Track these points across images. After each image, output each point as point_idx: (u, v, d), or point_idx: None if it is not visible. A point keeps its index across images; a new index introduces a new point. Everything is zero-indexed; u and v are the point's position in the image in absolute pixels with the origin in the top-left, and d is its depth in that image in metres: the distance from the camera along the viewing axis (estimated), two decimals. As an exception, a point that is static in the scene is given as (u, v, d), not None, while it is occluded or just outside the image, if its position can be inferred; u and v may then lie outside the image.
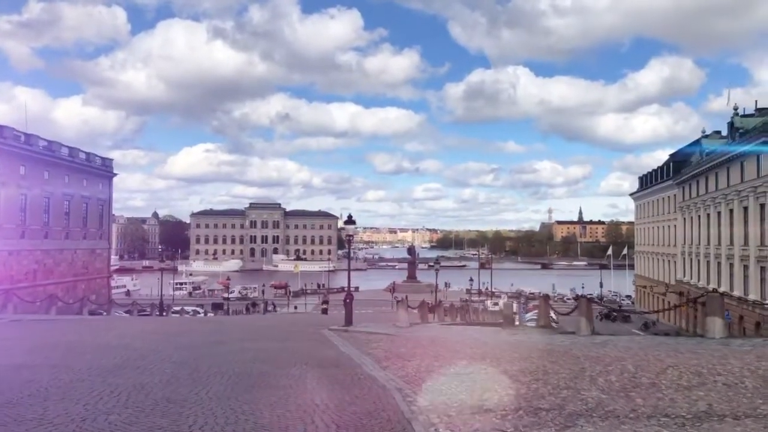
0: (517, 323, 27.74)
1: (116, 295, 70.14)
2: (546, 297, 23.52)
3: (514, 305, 32.51)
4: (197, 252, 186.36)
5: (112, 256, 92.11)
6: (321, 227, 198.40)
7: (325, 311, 49.83)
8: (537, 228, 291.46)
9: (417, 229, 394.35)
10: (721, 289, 41.83)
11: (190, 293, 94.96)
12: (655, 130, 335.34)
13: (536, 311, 31.28)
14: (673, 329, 48.46)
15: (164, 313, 45.79)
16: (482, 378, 8.88)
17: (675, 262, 60.36)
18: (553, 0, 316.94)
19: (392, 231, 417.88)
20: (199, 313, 55.52)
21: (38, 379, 8.62)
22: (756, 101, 52.74)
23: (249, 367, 10.34)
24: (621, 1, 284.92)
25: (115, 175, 66.75)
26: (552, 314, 23.73)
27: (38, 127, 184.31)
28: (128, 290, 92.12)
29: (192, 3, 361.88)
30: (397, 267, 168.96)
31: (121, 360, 10.95)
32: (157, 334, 17.54)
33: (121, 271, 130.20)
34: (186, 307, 59.16)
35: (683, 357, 10.56)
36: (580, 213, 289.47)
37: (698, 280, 52.18)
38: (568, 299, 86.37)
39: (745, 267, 42.09)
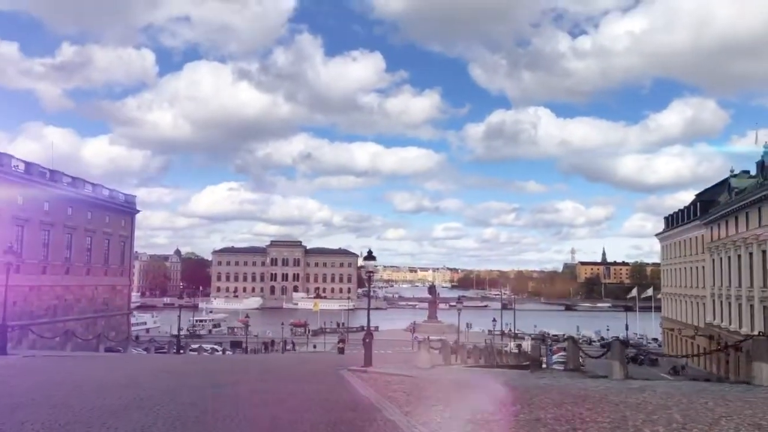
0: (544, 366, 26.69)
1: (136, 332, 69.87)
2: (574, 339, 22.56)
3: (542, 347, 31.43)
4: (218, 289, 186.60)
5: (134, 293, 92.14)
6: (341, 265, 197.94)
7: (341, 350, 49.02)
8: (560, 268, 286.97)
9: (437, 269, 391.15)
10: (755, 333, 40.13)
11: (210, 330, 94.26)
12: (678, 171, 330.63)
13: (562, 353, 30.17)
14: (704, 374, 46.51)
15: (181, 351, 45.21)
16: (514, 426, 8.09)
17: (704, 304, 58.46)
18: (573, 42, 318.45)
19: (412, 270, 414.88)
20: (217, 351, 54.90)
21: (34, 420, 8.03)
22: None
23: (260, 410, 9.68)
24: (640, 43, 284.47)
25: (138, 212, 67.12)
26: (581, 357, 22.70)
27: (66, 166, 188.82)
28: (148, 327, 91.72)
29: (218, 45, 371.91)
30: (417, 306, 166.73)
31: (127, 400, 10.32)
32: (169, 373, 16.95)
33: (143, 308, 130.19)
34: (204, 345, 58.57)
35: (734, 406, 9.63)
36: (604, 254, 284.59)
37: (729, 323, 50.37)
38: (594, 341, 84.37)
39: (781, 310, 40.49)
